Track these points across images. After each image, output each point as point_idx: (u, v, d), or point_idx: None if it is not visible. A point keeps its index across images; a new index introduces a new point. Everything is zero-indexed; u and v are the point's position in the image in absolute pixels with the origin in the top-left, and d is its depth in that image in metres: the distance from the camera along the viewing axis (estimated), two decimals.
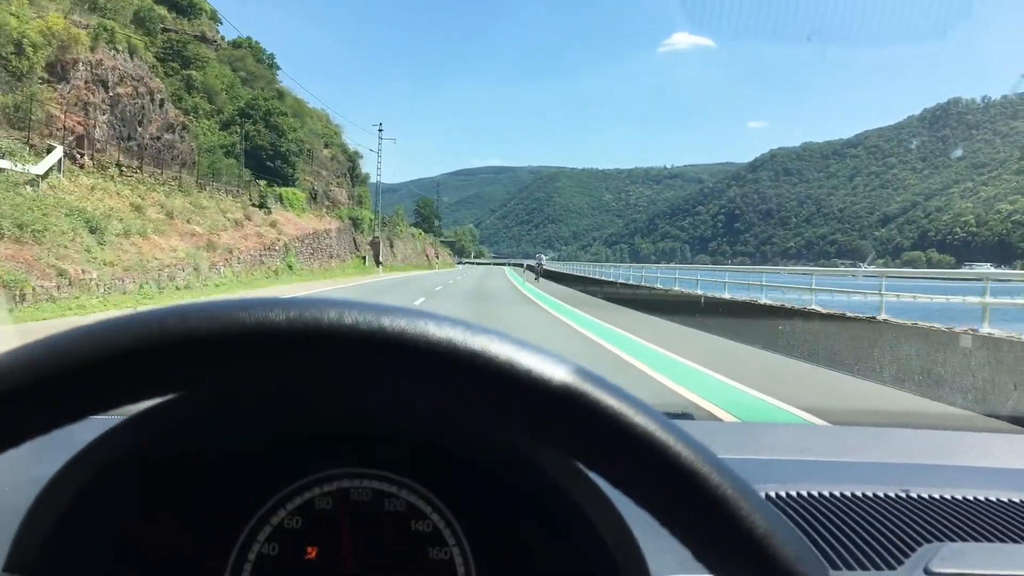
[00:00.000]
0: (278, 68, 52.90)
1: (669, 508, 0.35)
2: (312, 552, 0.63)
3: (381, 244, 59.09)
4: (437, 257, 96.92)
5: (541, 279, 39.83)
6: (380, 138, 64.88)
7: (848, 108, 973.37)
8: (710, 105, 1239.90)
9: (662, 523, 0.36)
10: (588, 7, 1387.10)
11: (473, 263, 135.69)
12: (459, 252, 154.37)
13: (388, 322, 0.34)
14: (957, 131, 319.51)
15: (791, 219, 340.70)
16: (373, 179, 63.28)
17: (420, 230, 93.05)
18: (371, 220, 58.42)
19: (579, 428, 0.35)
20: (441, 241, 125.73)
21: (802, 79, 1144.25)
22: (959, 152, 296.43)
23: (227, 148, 35.56)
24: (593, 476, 0.54)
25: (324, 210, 47.79)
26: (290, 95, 50.59)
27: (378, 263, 55.88)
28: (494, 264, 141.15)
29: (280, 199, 38.31)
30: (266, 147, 38.64)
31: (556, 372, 0.35)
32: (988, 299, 8.68)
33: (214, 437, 0.59)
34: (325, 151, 53.62)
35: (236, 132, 37.13)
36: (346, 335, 0.34)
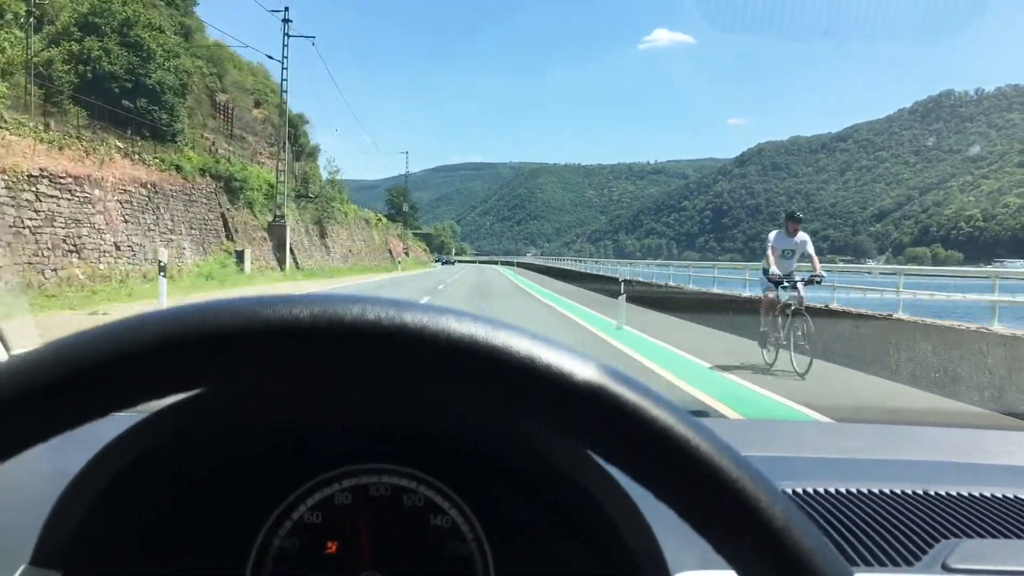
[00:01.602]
0: (195, 3, 38.51)
1: (690, 502, 0.35)
2: (332, 547, 0.64)
3: (290, 230, 33.83)
4: (406, 254, 72.86)
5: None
6: (286, 33, 35.09)
7: (835, 103, 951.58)
8: (691, 101, 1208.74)
9: (682, 516, 0.36)
10: (568, 3, 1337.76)
11: (455, 262, 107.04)
12: (438, 248, 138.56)
13: (410, 318, 0.34)
14: (950, 124, 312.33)
15: (780, 214, 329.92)
16: (316, 131, 47.14)
17: (378, 215, 63.91)
18: (270, 186, 33.67)
19: (601, 423, 0.35)
20: (414, 234, 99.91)
21: (786, 74, 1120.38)
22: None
23: (42, 70, 21.52)
24: (611, 472, 0.55)
25: (104, 146, 20.86)
26: (208, 40, 36.61)
27: (295, 263, 34.35)
28: (482, 263, 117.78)
29: None
30: (119, 75, 23.90)
31: (578, 367, 0.35)
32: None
33: (235, 434, 0.60)
34: (255, 111, 39.63)
35: (70, 48, 22.94)
36: (368, 331, 0.34)
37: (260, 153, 37.73)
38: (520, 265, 75.45)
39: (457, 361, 0.34)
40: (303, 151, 44.43)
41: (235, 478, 0.64)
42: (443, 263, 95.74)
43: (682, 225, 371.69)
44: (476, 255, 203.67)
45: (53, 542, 0.52)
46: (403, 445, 0.66)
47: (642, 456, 0.35)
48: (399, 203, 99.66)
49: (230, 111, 35.60)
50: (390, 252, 64.64)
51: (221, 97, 35.76)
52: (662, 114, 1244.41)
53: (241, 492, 0.64)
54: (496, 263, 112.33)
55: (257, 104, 40.35)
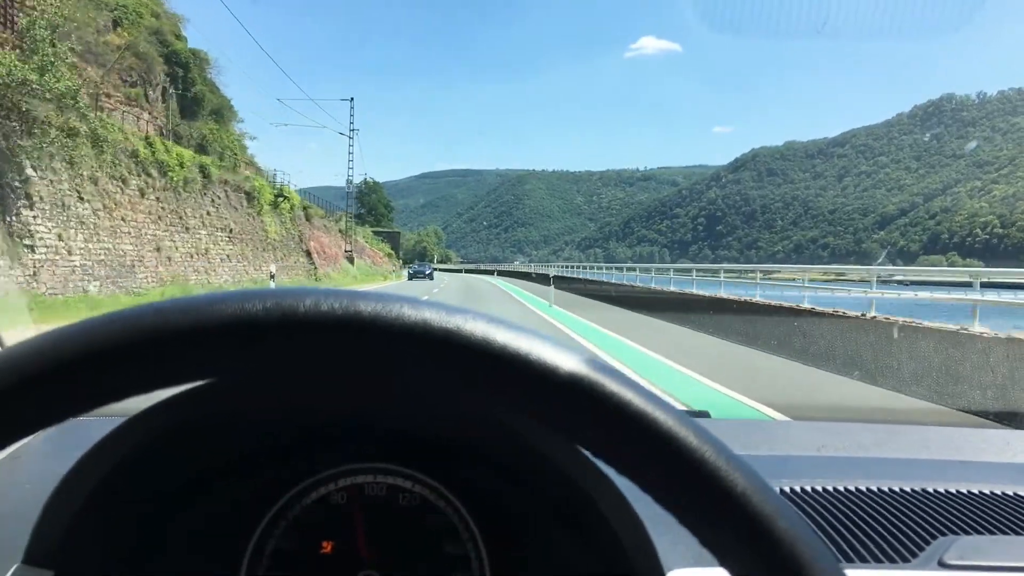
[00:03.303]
0: None
1: (677, 497, 0.35)
2: (328, 546, 0.64)
3: None
4: (349, 260, 46.69)
5: None
6: None
7: (830, 108, 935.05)
8: (679, 109, 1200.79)
9: (670, 511, 0.35)
10: (552, 10, 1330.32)
11: (432, 272, 67.26)
12: (419, 255, 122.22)
13: (364, 306, 0.34)
14: (952, 128, 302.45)
15: (777, 221, 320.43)
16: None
17: (283, 186, 37.61)
18: None
19: (556, 405, 0.35)
20: (375, 232, 71.14)
21: (777, 79, 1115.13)
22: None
23: None
24: (605, 470, 0.54)
25: None
26: None
27: None
28: (468, 272, 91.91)
29: None
30: None
31: (535, 347, 0.35)
32: None
33: (229, 433, 0.59)
34: (112, 36, 25.13)
35: None
36: (323, 321, 0.34)
37: (108, 95, 23.15)
38: (560, 283, 30.91)
39: (414, 346, 0.34)
40: (200, 105, 29.77)
41: (230, 478, 0.63)
42: (414, 275, 56.34)
43: (675, 232, 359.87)
44: (462, 262, 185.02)
45: (45, 541, 0.51)
46: (398, 445, 0.65)
47: (623, 448, 0.35)
48: (371, 202, 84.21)
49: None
50: (309, 255, 36.44)
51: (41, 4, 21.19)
52: (650, 121, 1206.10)
53: (236, 492, 0.63)
54: (492, 272, 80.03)
55: (115, 24, 25.73)
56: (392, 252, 73.03)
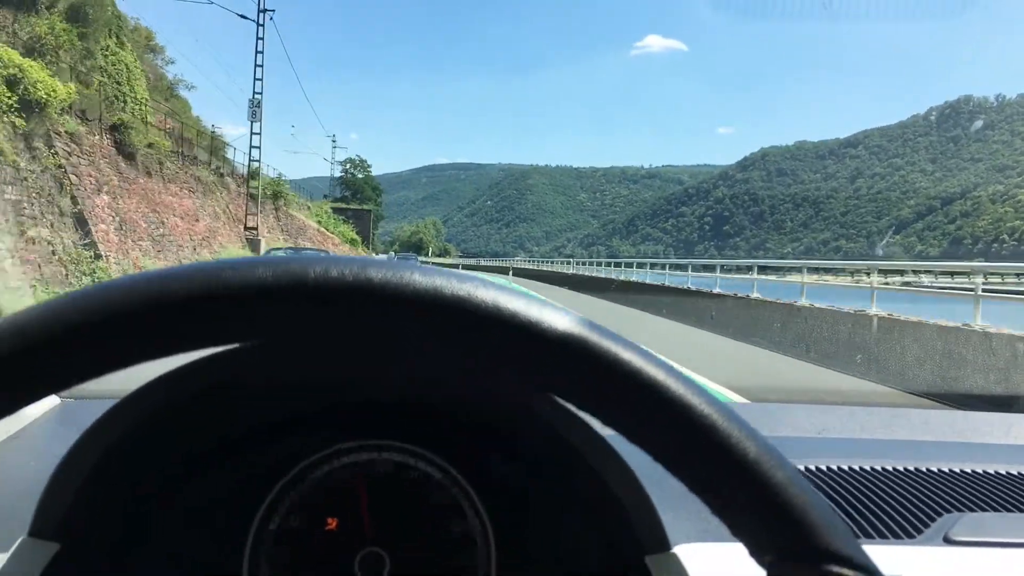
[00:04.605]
0: None
1: (691, 464, 0.35)
2: (332, 523, 0.64)
3: None
4: (252, 243, 26.83)
5: None
6: None
7: (842, 107, 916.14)
8: (684, 108, 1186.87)
9: (682, 479, 0.35)
10: (559, 8, 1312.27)
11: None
12: (415, 248, 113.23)
13: (375, 273, 0.34)
14: (970, 132, 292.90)
15: (786, 222, 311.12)
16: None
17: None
18: None
19: (573, 372, 0.34)
20: (335, 209, 56.11)
21: (787, 78, 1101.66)
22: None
23: None
24: (612, 445, 0.54)
25: None
26: None
27: None
28: (467, 267, 73.61)
29: None
30: None
31: (546, 315, 0.35)
32: None
33: (233, 410, 0.58)
34: None
35: None
36: (333, 287, 0.34)
37: None
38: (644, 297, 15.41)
39: (423, 313, 0.34)
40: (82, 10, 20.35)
41: (234, 455, 0.63)
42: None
43: (680, 231, 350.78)
44: (461, 256, 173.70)
45: (50, 514, 0.51)
46: (404, 422, 0.65)
47: (630, 410, 0.35)
48: (356, 183, 73.63)
49: None
50: (83, 225, 14.45)
51: None
52: (655, 120, 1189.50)
53: (241, 467, 0.63)
54: (506, 271, 51.68)
55: None
56: (358, 237, 53.96)
